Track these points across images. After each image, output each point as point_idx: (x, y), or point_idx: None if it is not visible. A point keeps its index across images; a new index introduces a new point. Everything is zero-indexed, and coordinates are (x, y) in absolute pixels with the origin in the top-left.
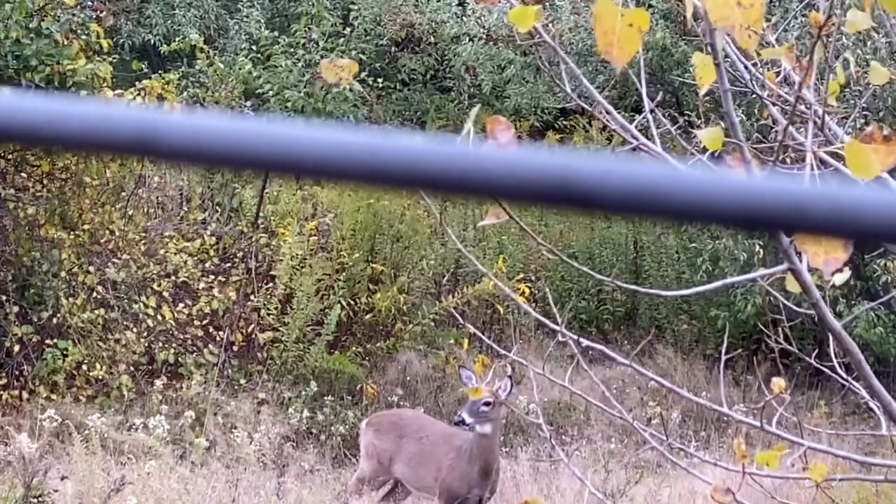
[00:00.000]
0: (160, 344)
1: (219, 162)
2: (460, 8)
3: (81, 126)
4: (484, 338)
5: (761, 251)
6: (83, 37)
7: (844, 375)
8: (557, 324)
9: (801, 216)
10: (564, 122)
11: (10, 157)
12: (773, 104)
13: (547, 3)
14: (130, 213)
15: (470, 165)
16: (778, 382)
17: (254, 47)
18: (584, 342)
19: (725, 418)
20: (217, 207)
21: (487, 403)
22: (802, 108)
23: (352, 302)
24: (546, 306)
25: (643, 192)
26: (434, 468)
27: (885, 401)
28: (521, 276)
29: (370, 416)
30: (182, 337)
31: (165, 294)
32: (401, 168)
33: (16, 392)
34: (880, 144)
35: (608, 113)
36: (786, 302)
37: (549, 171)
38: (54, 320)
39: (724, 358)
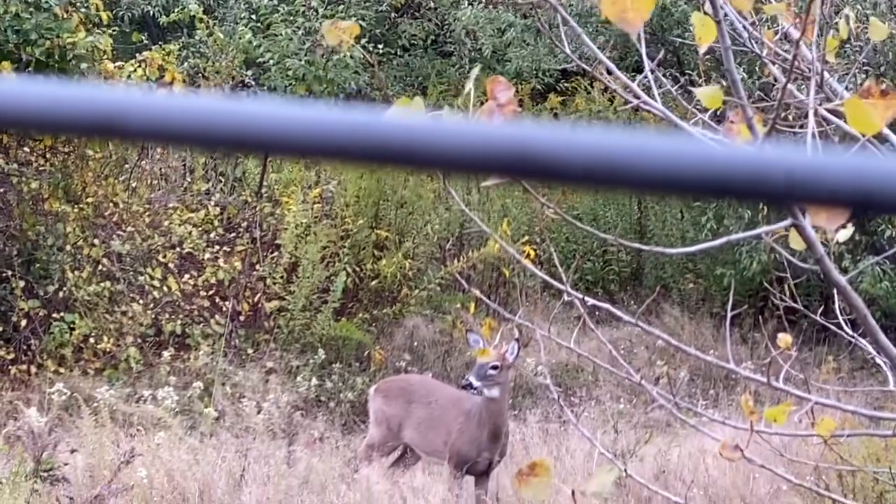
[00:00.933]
0: (167, 315)
1: (185, 141)
2: None
3: (42, 107)
4: (489, 302)
5: (766, 208)
6: (82, 10)
7: (850, 331)
8: (565, 282)
9: (759, 185)
10: (566, 85)
11: (12, 131)
12: (773, 62)
13: None
14: (134, 185)
15: (429, 139)
16: (784, 339)
17: (253, 16)
18: (590, 301)
19: (733, 376)
20: (220, 178)
21: (495, 367)
22: (801, 65)
23: (357, 269)
24: (552, 268)
25: (601, 162)
26: (443, 432)
27: (891, 355)
28: (526, 238)
29: (378, 382)
30: (188, 308)
31: (171, 265)
32: (360, 143)
33: (24, 366)
34: (878, 99)
35: (610, 73)
36: (791, 258)
37: (507, 143)
38: (60, 294)
39: (729, 315)
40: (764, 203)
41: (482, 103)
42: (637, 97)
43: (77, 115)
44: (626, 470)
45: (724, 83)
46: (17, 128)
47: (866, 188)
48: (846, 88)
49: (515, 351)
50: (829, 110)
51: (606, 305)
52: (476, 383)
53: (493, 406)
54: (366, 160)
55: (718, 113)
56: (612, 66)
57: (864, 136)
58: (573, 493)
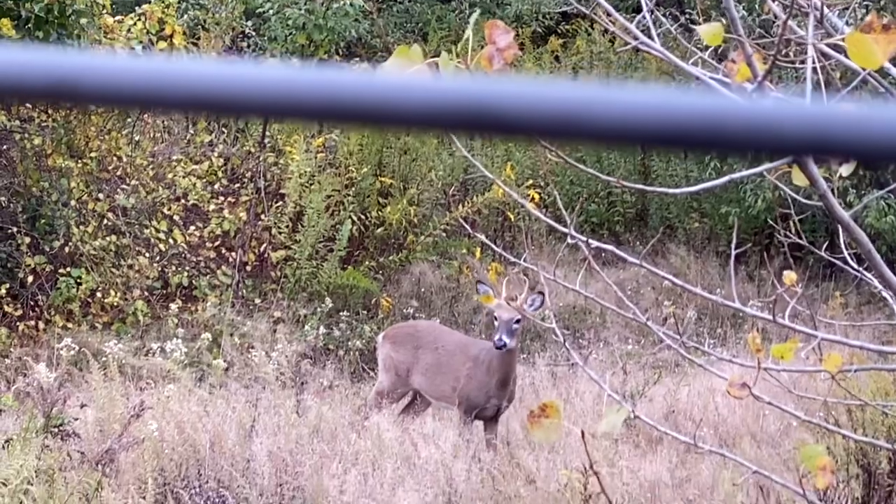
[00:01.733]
0: (173, 267)
1: (140, 104)
2: None
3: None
4: (494, 247)
5: None
6: None
7: (856, 266)
8: (568, 225)
9: (718, 133)
10: (566, 27)
11: None
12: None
13: None
14: (137, 138)
15: (382, 96)
16: (789, 276)
17: None
18: (595, 244)
19: (741, 315)
20: (223, 129)
21: (518, 321)
22: (801, 0)
23: (362, 216)
24: (556, 211)
25: (557, 115)
26: (451, 378)
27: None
28: (530, 182)
29: (386, 328)
30: (195, 259)
31: (176, 218)
32: (316, 101)
33: (32, 323)
34: (880, 34)
35: (609, 14)
36: (794, 195)
37: (464, 99)
38: (66, 249)
39: (734, 254)
40: (731, 154)
41: (482, 48)
42: (636, 38)
43: (31, 80)
44: (634, 411)
45: (725, 21)
46: None
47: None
48: (846, 24)
49: (539, 303)
50: (829, 45)
51: (611, 247)
52: (510, 343)
53: (507, 356)
54: (320, 117)
55: (719, 52)
56: (611, 8)
57: (864, 70)
58: (582, 433)
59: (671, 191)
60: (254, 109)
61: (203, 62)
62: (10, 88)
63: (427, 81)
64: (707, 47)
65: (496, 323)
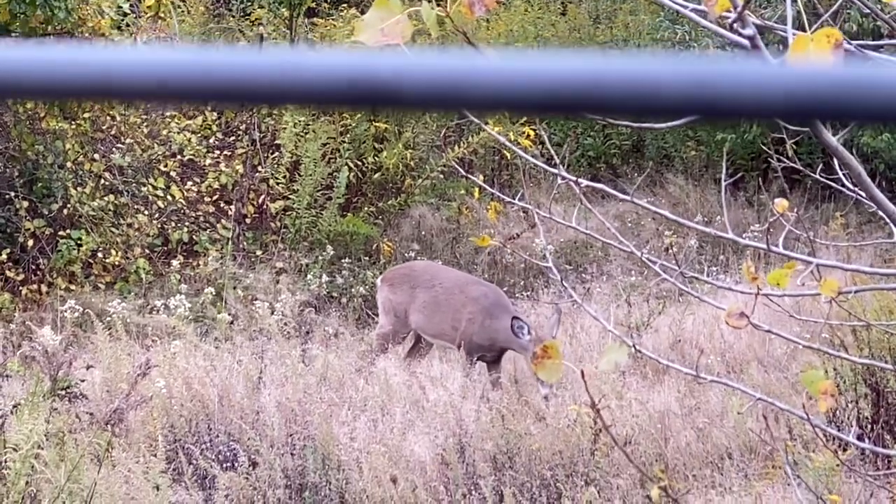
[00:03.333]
0: (173, 224)
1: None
2: None
3: None
4: (490, 189)
5: None
6: None
7: (852, 188)
8: (558, 165)
9: (592, 97)
10: None
11: None
12: None
13: None
14: None
15: (255, 72)
16: (780, 203)
17: None
18: (585, 182)
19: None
20: None
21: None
22: None
23: (359, 163)
24: (553, 147)
25: (437, 86)
26: (450, 316)
27: (889, 211)
28: (525, 119)
29: (385, 272)
30: (194, 215)
31: (173, 174)
32: (196, 82)
33: (34, 286)
34: None
35: None
36: (785, 124)
37: (340, 72)
38: (65, 211)
39: (724, 183)
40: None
41: None
42: None
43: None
44: (635, 346)
45: None
46: None
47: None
48: None
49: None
50: None
51: (601, 186)
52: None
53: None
54: (204, 97)
55: None
56: None
57: None
58: (582, 373)
59: (663, 125)
60: (148, 95)
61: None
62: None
63: (312, 56)
64: None
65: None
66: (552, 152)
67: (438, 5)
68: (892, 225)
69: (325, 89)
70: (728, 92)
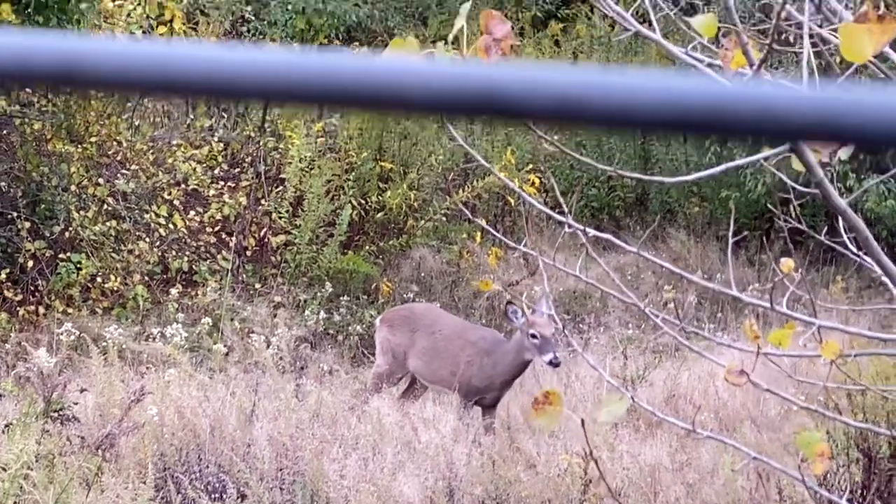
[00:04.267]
0: (173, 252)
1: (142, 88)
2: None
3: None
4: (494, 233)
5: None
6: None
7: (856, 251)
8: (566, 213)
9: (721, 118)
10: (566, 11)
11: None
12: None
13: None
14: (137, 123)
15: (393, 81)
16: (787, 263)
17: None
18: (591, 232)
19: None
20: (223, 113)
21: (554, 333)
22: None
23: (362, 201)
24: (557, 195)
25: (563, 99)
26: (449, 362)
27: (894, 276)
28: (531, 166)
29: (384, 312)
30: (195, 244)
31: (176, 202)
32: (321, 86)
33: (32, 308)
34: (874, 24)
35: (604, 4)
36: (792, 183)
37: (474, 83)
38: (66, 234)
39: (731, 240)
40: (727, 135)
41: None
42: (633, 24)
43: (36, 65)
44: (633, 398)
45: (722, 5)
46: None
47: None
48: (846, 7)
49: (548, 305)
50: (830, 31)
51: (607, 236)
52: (559, 357)
53: (526, 364)
54: (330, 103)
55: (719, 36)
56: None
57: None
58: (582, 422)
59: (668, 180)
60: (268, 95)
61: (209, 46)
62: (13, 73)
63: (433, 65)
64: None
65: (536, 340)
66: (560, 200)
67: (454, 48)
68: (894, 290)
69: (456, 99)
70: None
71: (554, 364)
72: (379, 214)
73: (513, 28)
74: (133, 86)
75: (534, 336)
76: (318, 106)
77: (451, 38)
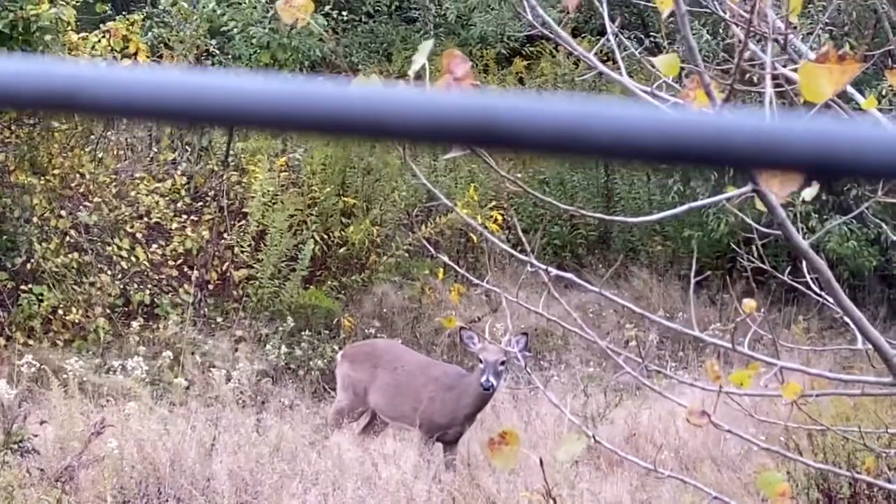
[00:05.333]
0: (135, 285)
1: (142, 115)
2: None
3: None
4: (457, 268)
5: (732, 170)
6: None
7: (818, 292)
8: (528, 252)
9: (716, 149)
10: (531, 49)
11: None
12: (736, 24)
13: None
14: (100, 155)
15: (390, 109)
16: (748, 304)
17: None
18: (553, 272)
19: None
20: (187, 147)
21: (503, 362)
22: (762, 25)
23: (325, 236)
24: (519, 233)
25: (561, 130)
26: (411, 399)
27: (855, 318)
28: (494, 203)
29: (345, 347)
30: (157, 277)
31: (138, 235)
32: (318, 114)
33: None
34: (835, 64)
35: (575, 36)
36: (755, 225)
37: (469, 113)
38: (28, 266)
39: (693, 281)
40: (727, 168)
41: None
42: (595, 64)
43: (35, 90)
44: (594, 436)
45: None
46: None
47: (824, 152)
48: (810, 48)
49: (523, 344)
50: (793, 70)
51: (569, 275)
52: (497, 384)
53: (486, 395)
54: (331, 131)
55: (683, 76)
56: (568, 38)
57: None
58: (541, 461)
59: (631, 220)
60: (271, 123)
61: (212, 75)
62: (7, 98)
63: (444, 95)
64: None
65: (482, 364)
66: (522, 238)
67: (417, 85)
68: (856, 331)
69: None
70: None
71: (484, 388)
72: (341, 249)
73: (476, 65)
74: (134, 112)
75: (480, 361)
76: (321, 134)
77: (412, 74)
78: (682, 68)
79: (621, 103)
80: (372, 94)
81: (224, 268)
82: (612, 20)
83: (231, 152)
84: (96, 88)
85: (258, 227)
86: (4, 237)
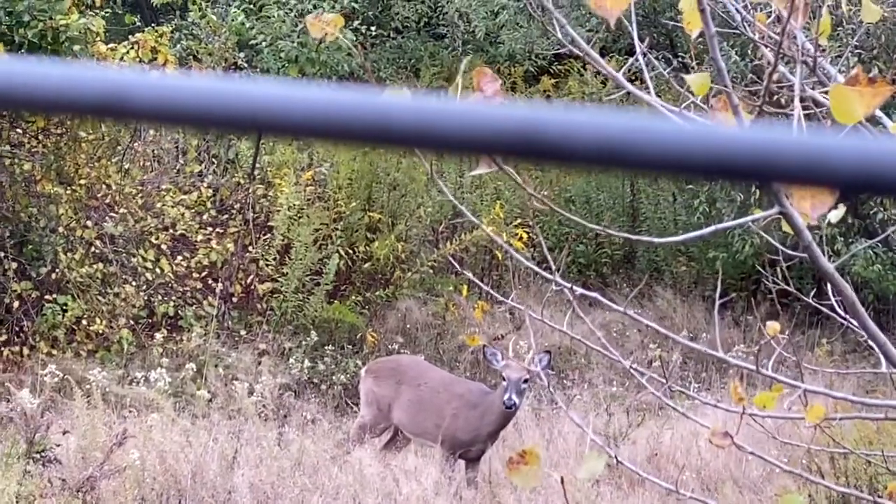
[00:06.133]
0: (159, 297)
1: (188, 122)
2: None
3: (48, 88)
4: (482, 285)
5: (758, 191)
6: None
7: (843, 315)
8: (553, 270)
9: (763, 164)
10: (559, 67)
11: (4, 113)
12: (765, 46)
13: None
14: (127, 166)
15: (438, 120)
16: (772, 326)
17: None
18: (579, 290)
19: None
20: (213, 159)
21: (526, 380)
22: (792, 47)
23: (350, 251)
24: (545, 251)
25: (605, 143)
26: (434, 415)
27: (880, 341)
28: (519, 220)
29: (370, 362)
30: (181, 289)
31: (163, 247)
32: (362, 124)
33: (16, 348)
34: (865, 87)
35: (603, 56)
36: (780, 246)
37: (513, 124)
38: (53, 276)
39: (717, 302)
40: (770, 183)
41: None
42: (624, 84)
43: (84, 96)
44: (616, 456)
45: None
46: (26, 109)
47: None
48: (839, 71)
49: (546, 362)
50: (822, 93)
51: (594, 294)
52: (519, 402)
53: (510, 413)
54: (376, 141)
55: (711, 96)
56: (597, 56)
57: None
58: (562, 479)
59: (657, 240)
60: (317, 132)
61: (262, 82)
62: (60, 103)
63: (489, 107)
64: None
65: (505, 382)
66: (547, 256)
67: None
68: (880, 355)
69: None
70: None
71: (506, 406)
72: (366, 265)
73: (504, 83)
74: (179, 119)
75: (503, 378)
76: (364, 143)
77: (451, 90)
78: (711, 88)
79: (669, 118)
80: (427, 105)
81: (248, 281)
82: (641, 40)
83: (257, 165)
84: (145, 94)
85: (283, 240)
86: (30, 246)
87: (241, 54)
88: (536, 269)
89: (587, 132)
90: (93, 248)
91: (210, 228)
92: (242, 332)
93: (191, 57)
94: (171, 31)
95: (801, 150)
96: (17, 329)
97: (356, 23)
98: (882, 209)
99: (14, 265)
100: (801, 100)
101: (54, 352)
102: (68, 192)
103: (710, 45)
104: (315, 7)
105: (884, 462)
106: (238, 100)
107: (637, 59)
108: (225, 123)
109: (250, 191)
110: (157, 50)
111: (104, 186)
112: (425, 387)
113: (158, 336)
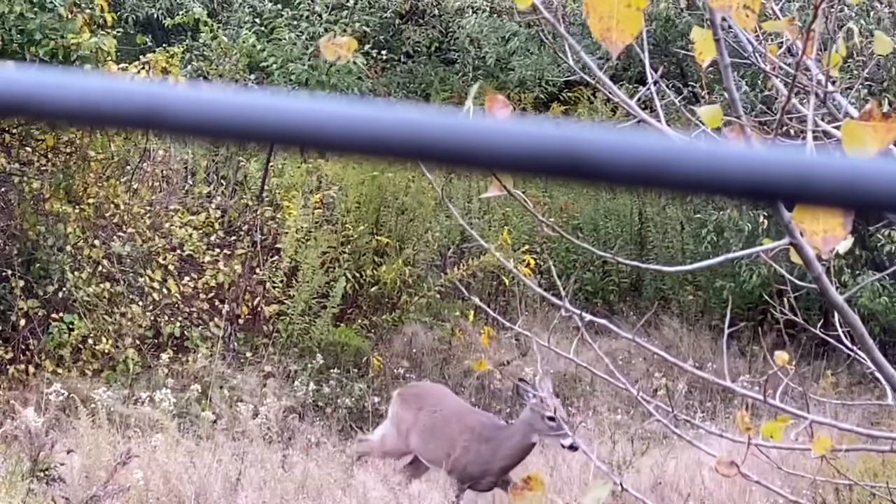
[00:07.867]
0: (166, 317)
1: (225, 135)
2: None
3: (86, 100)
4: (489, 310)
5: (766, 222)
6: (87, 10)
7: (850, 346)
8: (561, 296)
9: (804, 186)
10: (569, 94)
11: (14, 131)
12: (776, 77)
13: None
14: (135, 186)
15: (476, 137)
16: (781, 356)
17: (257, 20)
18: (587, 317)
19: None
20: (222, 181)
21: (552, 418)
22: (804, 79)
23: (357, 274)
24: (552, 277)
25: (648, 164)
26: (445, 444)
27: (887, 374)
28: (527, 247)
29: (402, 387)
30: (188, 310)
31: (171, 267)
32: (405, 140)
33: (22, 366)
34: (879, 122)
35: (609, 90)
36: (789, 276)
37: (556, 144)
38: (60, 294)
39: (727, 331)
40: (808, 203)
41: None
42: (637, 112)
43: (118, 109)
44: (621, 483)
45: (727, 97)
46: (57, 120)
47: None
48: (850, 103)
49: (549, 387)
50: (833, 125)
51: (602, 321)
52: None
53: (529, 448)
54: (419, 158)
55: (723, 126)
56: (610, 83)
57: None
58: None
59: (665, 269)
60: (356, 148)
61: (297, 97)
62: (98, 117)
63: (530, 126)
64: None
65: (553, 423)
66: (557, 283)
67: None
68: (888, 387)
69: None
70: None
71: (574, 448)
72: (373, 288)
73: (514, 109)
74: (221, 133)
75: (551, 419)
76: (406, 160)
77: (461, 115)
78: (723, 122)
79: (708, 139)
80: (471, 125)
81: (255, 303)
82: (654, 69)
83: (266, 188)
84: (181, 108)
85: (291, 263)
86: (37, 265)
87: (252, 76)
88: (546, 294)
89: (631, 152)
90: (100, 268)
91: (218, 250)
92: (248, 354)
93: (201, 78)
94: (182, 52)
95: (843, 172)
96: (23, 347)
97: (367, 46)
98: (889, 242)
99: (21, 283)
100: (812, 132)
101: (60, 370)
102: (76, 211)
103: (723, 75)
104: (326, 30)
105: (888, 494)
106: (287, 115)
107: (648, 89)
108: (271, 137)
109: (258, 213)
110: (167, 71)
111: (112, 206)
112: (439, 414)
113: (164, 356)
